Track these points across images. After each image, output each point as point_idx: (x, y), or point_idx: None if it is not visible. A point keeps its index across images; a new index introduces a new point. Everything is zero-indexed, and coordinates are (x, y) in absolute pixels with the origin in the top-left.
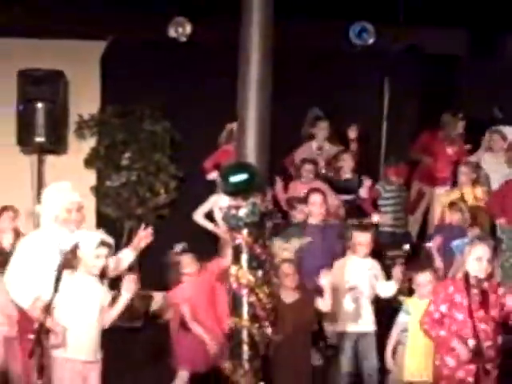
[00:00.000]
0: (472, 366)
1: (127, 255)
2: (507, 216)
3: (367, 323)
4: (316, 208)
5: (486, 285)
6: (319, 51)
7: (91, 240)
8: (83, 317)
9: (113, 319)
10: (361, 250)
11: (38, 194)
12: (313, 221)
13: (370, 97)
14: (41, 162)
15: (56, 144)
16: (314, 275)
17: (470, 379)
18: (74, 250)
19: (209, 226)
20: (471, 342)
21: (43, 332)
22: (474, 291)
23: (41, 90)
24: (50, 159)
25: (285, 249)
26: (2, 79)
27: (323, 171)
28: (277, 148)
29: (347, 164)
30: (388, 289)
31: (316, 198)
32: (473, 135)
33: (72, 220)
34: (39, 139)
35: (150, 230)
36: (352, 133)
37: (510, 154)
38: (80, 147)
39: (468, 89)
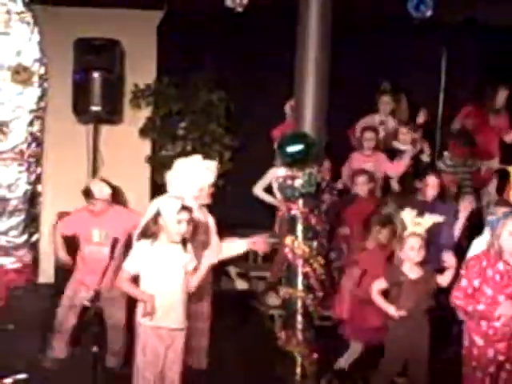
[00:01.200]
0: (501, 344)
1: (240, 246)
2: None
3: None
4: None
5: None
6: (376, 22)
7: (172, 206)
8: (169, 285)
9: (197, 284)
10: None
11: (94, 162)
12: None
13: (428, 69)
14: (96, 131)
15: (112, 113)
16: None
17: (501, 357)
18: (155, 218)
19: (269, 199)
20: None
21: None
22: (507, 267)
23: (97, 59)
24: (105, 128)
25: (417, 223)
26: (58, 48)
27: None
28: (334, 121)
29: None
30: None
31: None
32: None
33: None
34: (95, 108)
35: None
36: (420, 118)
37: None
38: (135, 117)
39: None
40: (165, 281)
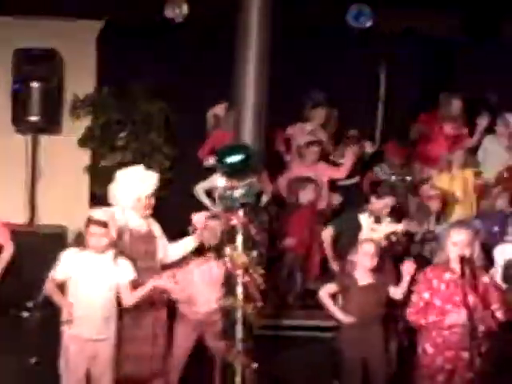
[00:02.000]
0: (450, 353)
1: (187, 242)
2: None
3: None
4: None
5: (466, 270)
6: (315, 33)
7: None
8: (89, 294)
9: (136, 300)
10: None
11: (33, 173)
12: None
13: (367, 81)
14: (35, 142)
15: (51, 123)
16: None
17: (448, 366)
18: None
19: (207, 201)
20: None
21: None
22: (453, 276)
23: (36, 69)
24: (44, 139)
25: (373, 229)
26: None
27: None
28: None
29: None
30: None
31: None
32: (469, 118)
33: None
34: (34, 118)
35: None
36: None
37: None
38: (75, 127)
39: (465, 72)
40: (86, 290)
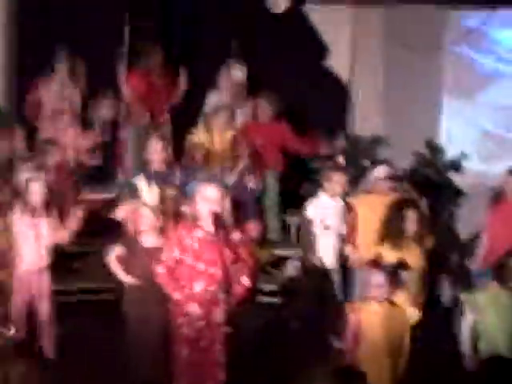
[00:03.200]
0: (204, 310)
1: None
2: None
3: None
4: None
5: (218, 227)
6: None
7: None
8: None
9: None
10: (338, 189)
11: None
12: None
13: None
14: None
15: None
16: None
17: (201, 322)
18: None
19: None
20: (199, 286)
21: None
22: (204, 234)
23: None
24: None
25: (149, 193)
26: None
27: None
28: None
29: None
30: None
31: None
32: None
33: None
34: None
35: None
36: None
37: (235, 93)
38: None
39: None
40: None
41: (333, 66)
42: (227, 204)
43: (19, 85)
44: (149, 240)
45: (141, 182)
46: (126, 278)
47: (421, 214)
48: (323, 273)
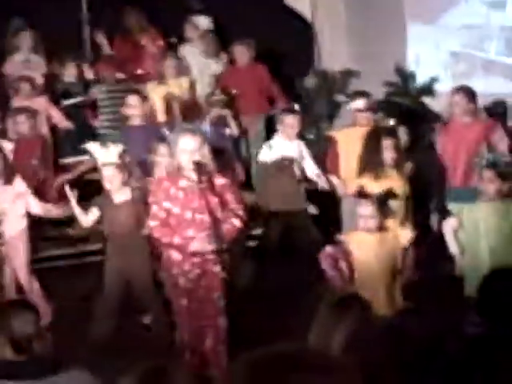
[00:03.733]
0: (197, 259)
1: None
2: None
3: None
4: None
5: (201, 175)
6: None
7: None
8: None
9: None
10: (291, 132)
11: None
12: (134, 122)
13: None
14: None
15: None
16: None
17: (197, 270)
18: None
19: None
20: (189, 233)
21: None
22: (190, 183)
23: None
24: None
25: (106, 153)
26: None
27: None
28: None
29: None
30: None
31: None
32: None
33: None
34: None
35: None
36: None
37: (205, 42)
38: None
39: None
40: None
41: (294, 3)
42: (207, 151)
43: None
44: (117, 196)
45: (91, 146)
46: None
47: (397, 142)
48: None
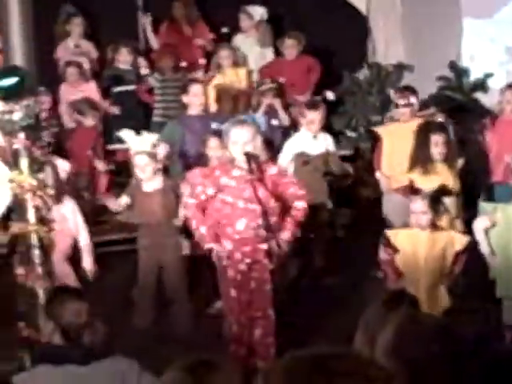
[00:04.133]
0: (248, 248)
1: None
2: None
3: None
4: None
5: (253, 166)
6: None
7: None
8: None
9: None
10: (312, 127)
11: None
12: (193, 112)
13: None
14: None
15: None
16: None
17: (247, 260)
18: None
19: None
20: (241, 223)
21: None
22: (241, 173)
23: None
24: None
25: (141, 141)
26: None
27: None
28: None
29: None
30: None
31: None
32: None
33: None
34: None
35: None
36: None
37: (260, 32)
38: None
39: None
40: None
41: None
42: (259, 142)
43: (39, 46)
44: (148, 185)
45: (125, 134)
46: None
47: (447, 137)
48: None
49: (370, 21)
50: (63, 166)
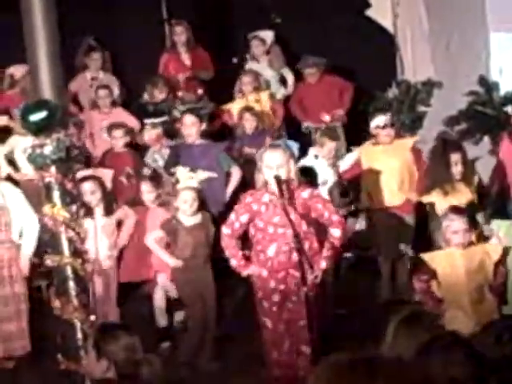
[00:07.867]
0: (281, 274)
1: None
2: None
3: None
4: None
5: (283, 190)
6: None
7: None
8: None
9: None
10: (326, 153)
11: None
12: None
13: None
14: None
15: None
16: None
17: (282, 286)
18: None
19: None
20: (272, 248)
21: None
22: (272, 197)
23: None
24: None
25: (190, 177)
26: None
27: None
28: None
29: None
30: None
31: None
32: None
33: None
34: None
35: None
36: None
37: (270, 57)
38: None
39: None
40: None
41: (375, 15)
42: (292, 166)
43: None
44: (189, 219)
45: (179, 170)
46: (169, 260)
47: (465, 155)
48: None
49: (398, 39)
50: (107, 175)
